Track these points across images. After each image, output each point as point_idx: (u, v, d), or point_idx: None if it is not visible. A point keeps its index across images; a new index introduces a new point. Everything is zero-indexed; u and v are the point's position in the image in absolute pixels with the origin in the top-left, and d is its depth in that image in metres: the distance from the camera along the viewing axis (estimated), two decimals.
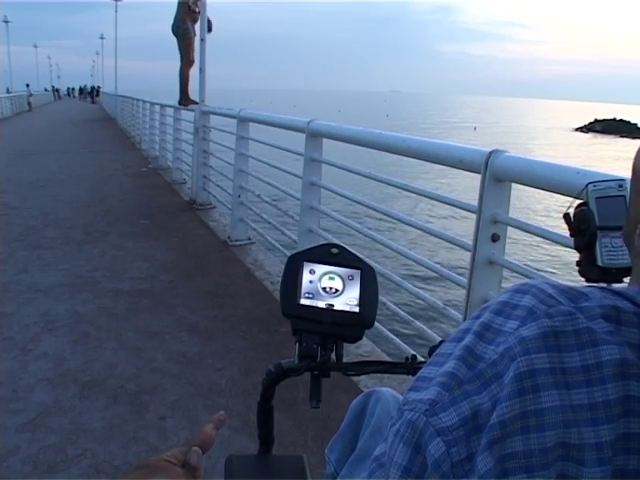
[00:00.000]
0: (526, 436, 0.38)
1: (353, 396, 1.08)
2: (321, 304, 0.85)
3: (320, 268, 0.88)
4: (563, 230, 0.93)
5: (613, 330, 0.40)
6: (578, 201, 0.81)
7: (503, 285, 2.05)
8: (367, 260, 0.94)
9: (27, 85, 36.31)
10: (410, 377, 0.82)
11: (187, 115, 7.22)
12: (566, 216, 0.81)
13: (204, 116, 6.03)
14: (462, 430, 0.40)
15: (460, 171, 2.19)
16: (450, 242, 2.34)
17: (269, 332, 3.00)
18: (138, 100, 13.23)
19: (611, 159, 24.24)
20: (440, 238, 2.44)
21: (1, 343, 2.82)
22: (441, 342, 0.73)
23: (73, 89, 73.41)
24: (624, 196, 0.77)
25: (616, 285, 0.45)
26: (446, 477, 0.40)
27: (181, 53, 7.42)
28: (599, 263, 0.76)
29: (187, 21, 7.18)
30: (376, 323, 0.89)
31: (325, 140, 3.40)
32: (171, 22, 7.37)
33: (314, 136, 3.42)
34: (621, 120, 47.26)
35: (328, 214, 3.46)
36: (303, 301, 0.85)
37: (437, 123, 49.05)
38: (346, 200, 3.29)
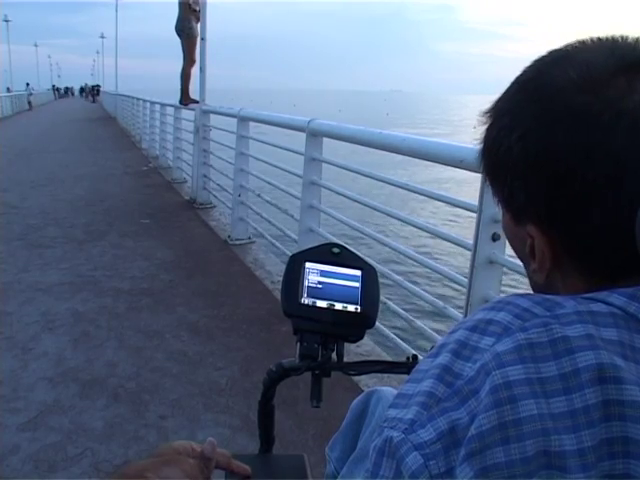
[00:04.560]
0: (507, 447, 0.38)
1: (354, 395, 1.08)
2: (322, 304, 0.85)
3: (321, 268, 0.88)
4: None
5: (589, 334, 0.41)
6: None
7: (503, 284, 2.05)
8: (368, 260, 0.94)
9: (27, 84, 36.30)
10: None
11: (187, 114, 7.22)
12: None
13: (204, 115, 6.03)
14: (439, 444, 0.40)
15: None
16: (450, 241, 2.35)
17: (269, 331, 3.00)
18: (138, 99, 13.23)
19: None
20: (441, 238, 2.45)
21: (1, 342, 2.83)
22: None
23: (71, 88, 73.40)
24: None
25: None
26: None
27: (184, 52, 7.42)
28: None
29: (192, 20, 7.19)
30: (377, 322, 0.89)
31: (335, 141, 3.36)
32: (172, 21, 7.37)
33: (314, 135, 3.41)
34: None
35: (328, 213, 3.45)
36: (304, 300, 0.85)
37: (441, 122, 48.99)
38: (346, 200, 3.29)
